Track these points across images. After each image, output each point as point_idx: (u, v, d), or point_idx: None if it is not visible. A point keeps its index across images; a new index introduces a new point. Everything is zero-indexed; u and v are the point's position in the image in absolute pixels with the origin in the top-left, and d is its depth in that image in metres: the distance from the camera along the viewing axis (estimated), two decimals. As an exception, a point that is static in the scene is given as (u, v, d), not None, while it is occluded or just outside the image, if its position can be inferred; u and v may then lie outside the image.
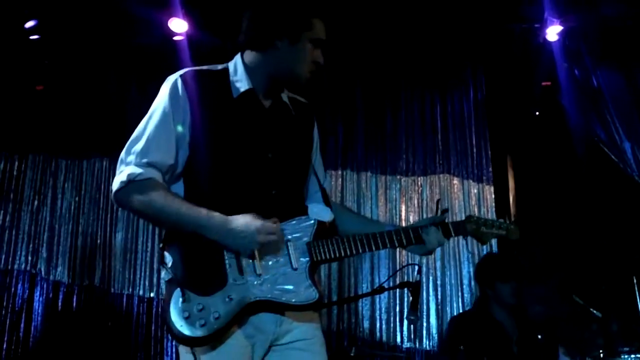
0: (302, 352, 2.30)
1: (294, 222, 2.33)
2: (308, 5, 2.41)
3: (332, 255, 2.32)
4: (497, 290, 4.30)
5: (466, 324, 4.37)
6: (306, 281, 2.25)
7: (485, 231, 2.52)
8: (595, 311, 4.43)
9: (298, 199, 2.47)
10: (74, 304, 5.88)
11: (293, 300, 2.22)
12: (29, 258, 5.97)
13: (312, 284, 2.24)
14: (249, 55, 2.43)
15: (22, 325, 5.83)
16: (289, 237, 2.29)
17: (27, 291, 5.90)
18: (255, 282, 2.21)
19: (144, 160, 2.25)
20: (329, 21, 2.44)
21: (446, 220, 2.49)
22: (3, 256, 5.96)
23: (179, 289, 2.13)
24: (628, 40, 5.37)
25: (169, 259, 2.20)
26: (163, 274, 2.20)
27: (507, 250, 4.73)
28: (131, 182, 2.23)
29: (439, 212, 2.54)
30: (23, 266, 5.95)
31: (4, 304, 5.86)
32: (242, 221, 2.19)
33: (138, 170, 2.23)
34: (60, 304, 5.88)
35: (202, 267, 2.20)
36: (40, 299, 5.90)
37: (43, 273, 5.94)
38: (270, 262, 2.25)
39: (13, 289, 5.91)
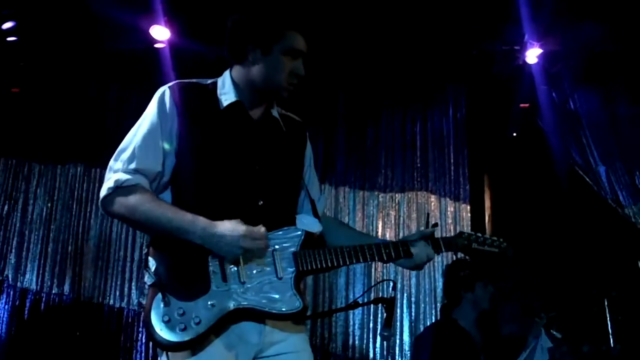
0: None
1: (281, 232, 2.32)
2: (279, 17, 2.42)
3: (319, 266, 2.31)
4: (476, 292, 4.27)
5: (441, 338, 4.36)
6: (290, 290, 2.24)
7: (476, 247, 2.52)
8: (555, 332, 4.45)
9: (286, 211, 2.45)
10: (42, 312, 5.76)
11: (276, 309, 2.21)
12: (-4, 264, 5.85)
13: (296, 294, 2.23)
14: (235, 69, 2.47)
15: (-14, 332, 5.70)
16: (276, 246, 2.28)
17: (-7, 298, 5.78)
18: (239, 290, 2.20)
19: (132, 167, 2.27)
20: (309, 33, 2.44)
21: (436, 236, 2.48)
22: (-31, 262, 5.83)
23: (160, 293, 2.12)
24: (606, 64, 5.47)
25: (152, 263, 2.19)
26: (146, 277, 2.19)
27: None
28: (118, 188, 2.24)
29: (429, 226, 2.53)
30: (-11, 273, 5.83)
31: (-31, 311, 5.73)
32: (227, 226, 2.18)
33: (125, 176, 2.25)
34: (27, 311, 5.76)
35: (186, 273, 2.20)
36: (6, 306, 5.77)
37: (10, 280, 5.81)
38: (255, 271, 2.24)
39: (-23, 296, 5.79)
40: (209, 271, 2.20)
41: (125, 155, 2.29)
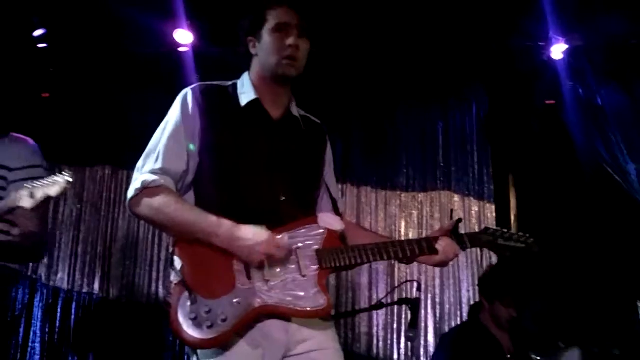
0: None
1: (304, 230, 2.34)
2: (261, 2, 2.47)
3: (342, 263, 2.32)
4: (495, 308, 4.25)
5: (462, 341, 4.32)
6: (314, 288, 2.25)
7: (502, 244, 2.50)
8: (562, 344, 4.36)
9: (308, 207, 2.49)
10: (73, 311, 5.92)
11: (301, 306, 2.22)
12: (30, 264, 5.99)
13: (320, 291, 2.24)
14: (251, 68, 2.55)
15: (21, 330, 5.86)
16: (299, 244, 2.31)
17: (27, 297, 5.94)
18: (264, 288, 2.22)
19: (157, 167, 2.33)
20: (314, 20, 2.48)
21: (460, 232, 2.47)
22: (4, 261, 6.02)
23: (187, 291, 2.15)
24: (632, 59, 5.30)
25: (178, 262, 2.22)
26: (172, 276, 2.22)
27: (510, 270, 4.64)
28: (145, 189, 2.29)
29: (454, 222, 2.51)
30: (24, 272, 5.98)
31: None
32: (251, 231, 2.21)
33: (152, 177, 2.31)
34: (59, 310, 5.92)
35: (211, 271, 2.22)
36: (40, 304, 5.94)
37: (43, 279, 5.98)
38: (278, 269, 2.25)
39: (13, 294, 5.94)
40: (234, 269, 2.23)
41: (152, 156, 2.36)
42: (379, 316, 5.71)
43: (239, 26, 2.53)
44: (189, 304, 2.13)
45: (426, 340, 5.64)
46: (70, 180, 2.53)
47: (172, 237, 2.37)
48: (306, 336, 2.28)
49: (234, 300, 2.17)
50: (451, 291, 5.70)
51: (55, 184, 2.54)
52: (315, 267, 2.28)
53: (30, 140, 3.18)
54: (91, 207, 6.11)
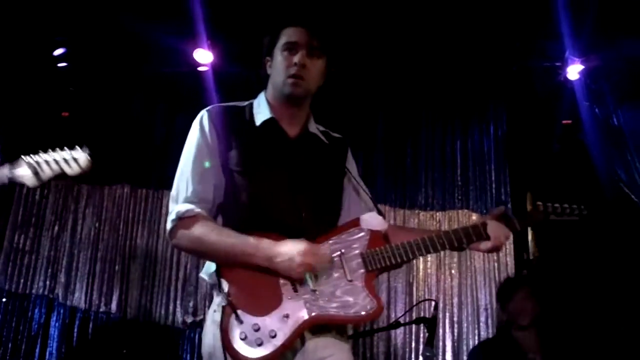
0: None
1: (345, 234, 2.35)
2: (274, 21, 2.49)
3: (387, 263, 2.30)
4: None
5: (487, 354, 4.33)
6: (363, 292, 2.24)
7: (555, 219, 2.47)
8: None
9: (329, 222, 2.46)
10: (90, 330, 5.87)
11: (351, 313, 2.21)
12: (47, 283, 5.98)
13: (369, 294, 2.23)
14: (267, 87, 2.55)
15: (37, 350, 5.81)
16: (342, 250, 2.30)
17: (44, 316, 5.90)
18: (311, 299, 2.21)
19: (189, 195, 2.33)
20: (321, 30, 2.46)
21: (507, 215, 2.43)
22: (22, 280, 5.97)
23: (234, 312, 2.15)
24: (649, 80, 5.38)
25: (225, 284, 2.21)
26: (219, 299, 2.21)
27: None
28: (180, 220, 2.30)
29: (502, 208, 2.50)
30: (41, 291, 5.96)
31: (20, 328, 5.87)
32: (288, 246, 2.22)
33: (186, 206, 2.31)
34: (76, 329, 5.87)
35: (257, 289, 2.22)
36: (57, 324, 5.89)
37: (60, 298, 5.93)
38: (324, 277, 2.25)
39: (30, 313, 5.92)
40: (279, 283, 2.23)
41: (182, 184, 2.36)
42: (397, 335, 5.70)
43: (259, 44, 2.55)
44: (236, 324, 2.14)
45: (444, 359, 5.63)
46: (89, 158, 2.37)
47: (216, 263, 2.34)
48: (322, 356, 2.25)
49: (283, 315, 2.17)
50: (469, 310, 5.70)
51: (73, 162, 2.39)
52: (362, 270, 2.28)
53: None
54: (109, 226, 6.08)
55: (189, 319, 5.67)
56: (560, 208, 2.48)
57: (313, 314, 2.19)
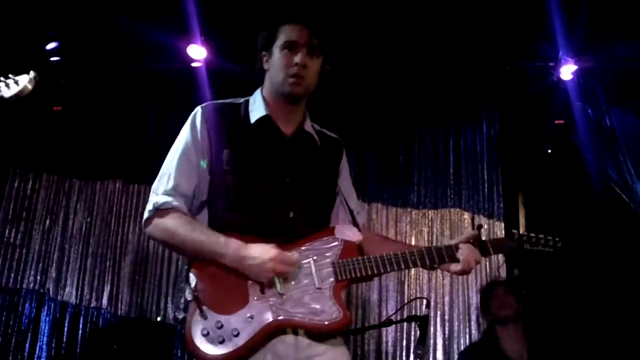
0: None
1: (319, 242, 2.33)
2: (273, 17, 2.48)
3: (358, 274, 2.27)
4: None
5: (475, 356, 4.35)
6: (329, 301, 2.21)
7: (529, 248, 2.41)
8: None
9: (318, 222, 2.45)
10: (81, 326, 5.86)
11: (316, 320, 2.18)
12: (38, 277, 5.97)
13: (336, 304, 2.20)
14: (264, 84, 2.54)
15: (27, 345, 5.80)
16: (314, 257, 2.28)
17: (34, 311, 5.89)
18: (278, 302, 2.20)
19: (169, 188, 2.34)
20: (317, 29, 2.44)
21: (481, 240, 2.39)
22: (12, 275, 5.95)
23: (199, 308, 2.15)
24: (641, 81, 5.40)
25: (193, 278, 2.22)
26: (187, 293, 2.20)
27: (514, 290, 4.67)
28: (157, 211, 2.31)
29: (475, 228, 2.46)
30: (32, 285, 5.95)
31: (11, 322, 5.85)
32: (257, 250, 2.21)
33: (163, 198, 2.32)
34: (67, 325, 5.86)
35: (225, 287, 2.21)
36: (47, 319, 5.88)
37: (51, 293, 5.92)
38: (293, 282, 2.24)
39: (20, 308, 5.90)
40: (248, 285, 2.22)
41: (164, 177, 2.36)
42: (389, 333, 5.70)
43: (256, 40, 2.54)
44: (201, 319, 2.14)
45: (435, 358, 5.64)
46: (33, 79, 2.30)
47: (186, 257, 2.36)
48: (316, 352, 2.24)
49: (247, 315, 2.17)
50: (460, 308, 5.71)
51: (13, 83, 2.31)
52: (331, 279, 2.25)
53: None
54: (101, 221, 6.07)
55: (180, 315, 5.62)
56: (535, 238, 2.42)
57: (279, 317, 2.18)
